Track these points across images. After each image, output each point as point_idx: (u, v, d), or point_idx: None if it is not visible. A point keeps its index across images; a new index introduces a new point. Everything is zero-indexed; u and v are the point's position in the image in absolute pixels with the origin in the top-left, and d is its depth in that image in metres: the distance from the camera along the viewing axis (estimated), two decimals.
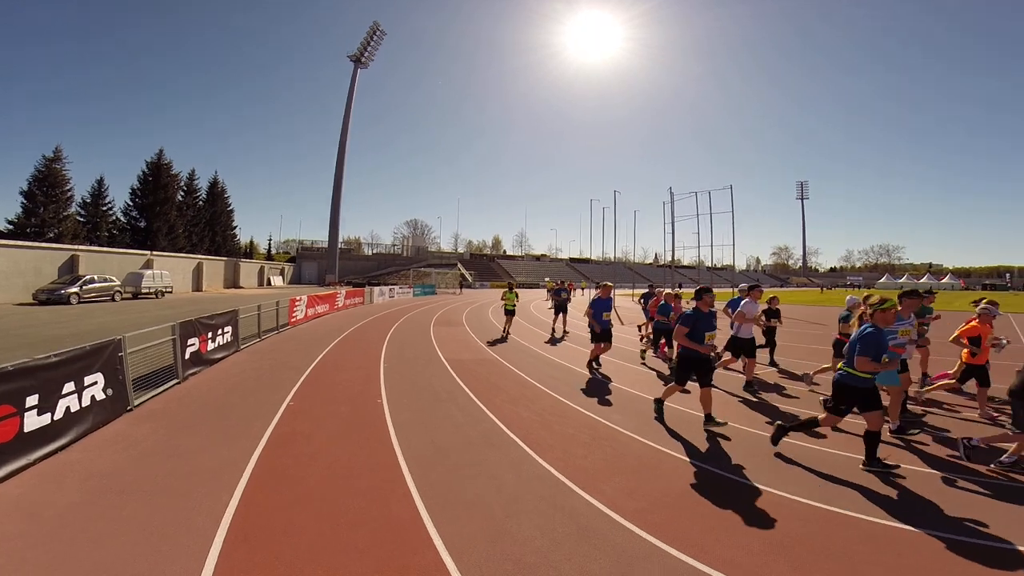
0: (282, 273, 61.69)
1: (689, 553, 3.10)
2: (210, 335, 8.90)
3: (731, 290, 14.04)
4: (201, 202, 56.85)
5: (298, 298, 16.69)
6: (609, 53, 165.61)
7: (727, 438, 5.35)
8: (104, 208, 47.12)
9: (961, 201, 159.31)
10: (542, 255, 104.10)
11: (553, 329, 14.94)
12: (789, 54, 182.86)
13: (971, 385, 6.52)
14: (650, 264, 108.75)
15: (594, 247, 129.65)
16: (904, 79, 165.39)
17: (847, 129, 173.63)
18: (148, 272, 30.43)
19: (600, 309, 9.17)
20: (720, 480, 4.29)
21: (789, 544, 3.24)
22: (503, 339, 13.26)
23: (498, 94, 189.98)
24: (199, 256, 45.20)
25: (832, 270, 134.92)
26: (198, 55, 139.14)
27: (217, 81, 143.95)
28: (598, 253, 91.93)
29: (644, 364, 10.01)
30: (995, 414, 6.31)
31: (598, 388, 7.77)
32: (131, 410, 5.93)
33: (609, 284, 9.93)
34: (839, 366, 4.69)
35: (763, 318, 8.96)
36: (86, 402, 5.13)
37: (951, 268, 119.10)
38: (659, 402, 6.21)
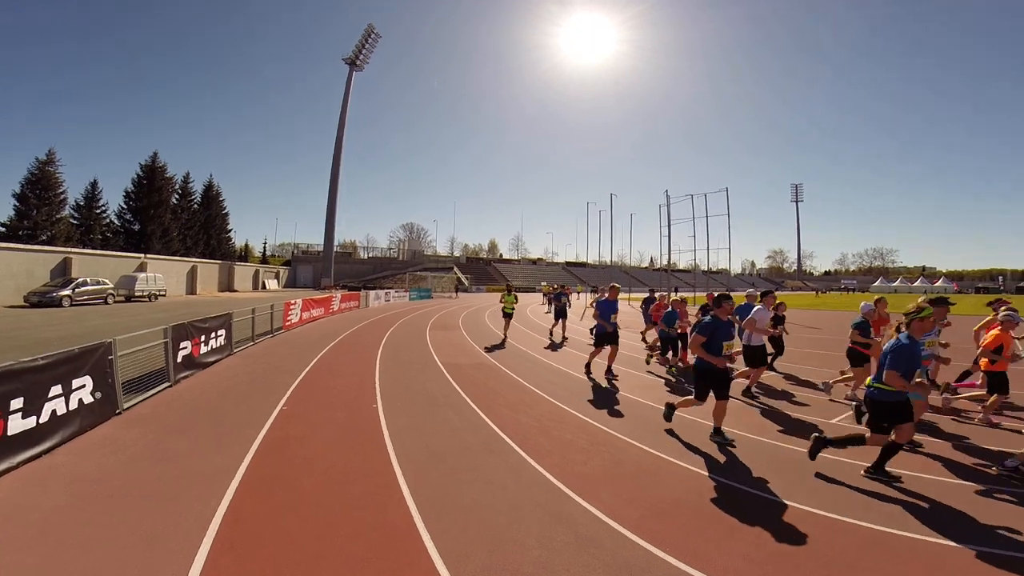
0: (277, 276, 61.38)
1: (690, 562, 3.03)
2: (203, 338, 8.78)
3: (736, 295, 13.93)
4: (196, 205, 56.66)
5: (293, 302, 16.56)
6: (604, 55, 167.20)
7: (732, 445, 5.26)
8: (98, 211, 46.93)
9: (954, 203, 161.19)
10: (538, 259, 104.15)
11: (551, 333, 14.76)
12: (783, 56, 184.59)
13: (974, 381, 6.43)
14: (646, 268, 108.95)
15: (590, 251, 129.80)
16: (895, 78, 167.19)
17: (840, 131, 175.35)
18: (142, 275, 30.14)
19: (608, 311, 8.97)
20: (720, 488, 4.22)
21: (791, 551, 3.18)
22: (501, 344, 13.08)
23: (494, 96, 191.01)
24: (193, 259, 44.90)
25: (827, 273, 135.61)
26: (194, 57, 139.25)
27: (213, 83, 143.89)
28: (594, 257, 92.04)
29: (650, 371, 9.76)
30: (996, 420, 6.27)
31: (598, 394, 7.69)
32: (120, 413, 5.82)
33: (616, 286, 9.63)
34: (867, 382, 4.51)
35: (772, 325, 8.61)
36: (73, 405, 5.02)
37: (944, 271, 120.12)
38: (671, 407, 5.98)
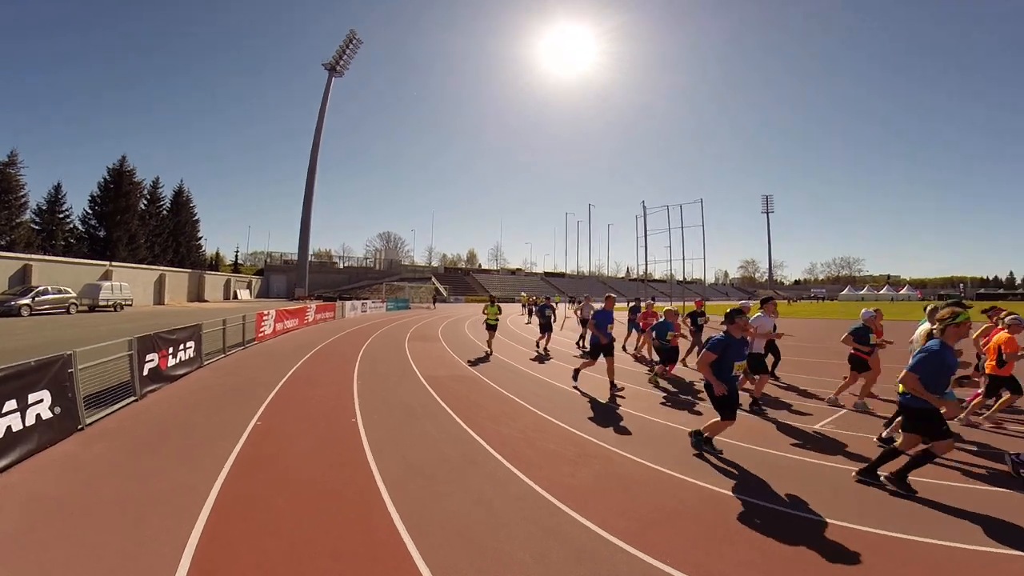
0: (249, 286, 59.86)
1: (689, 572, 2.97)
2: (171, 350, 8.41)
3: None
4: (165, 211, 55.00)
5: (266, 312, 16.11)
6: (584, 66, 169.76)
7: (719, 452, 5.19)
8: (61, 216, 45.14)
9: (916, 211, 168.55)
10: (517, 269, 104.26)
11: (537, 344, 14.45)
12: (757, 67, 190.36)
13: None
14: (623, 278, 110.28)
15: (569, 261, 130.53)
16: (862, 91, 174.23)
17: (807, 141, 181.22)
18: (106, 284, 28.95)
19: (604, 322, 8.81)
20: (715, 497, 4.18)
21: (792, 556, 3.15)
22: (486, 358, 12.40)
23: (474, 106, 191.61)
24: (161, 268, 43.51)
25: (797, 283, 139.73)
26: (165, 59, 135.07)
27: (185, 86, 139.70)
28: (572, 267, 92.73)
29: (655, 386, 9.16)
30: (1001, 421, 6.38)
31: (585, 405, 7.62)
32: (83, 429, 5.49)
33: (612, 296, 9.46)
34: (900, 389, 4.28)
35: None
36: (30, 421, 4.70)
37: (908, 279, 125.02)
38: (699, 435, 5.33)
